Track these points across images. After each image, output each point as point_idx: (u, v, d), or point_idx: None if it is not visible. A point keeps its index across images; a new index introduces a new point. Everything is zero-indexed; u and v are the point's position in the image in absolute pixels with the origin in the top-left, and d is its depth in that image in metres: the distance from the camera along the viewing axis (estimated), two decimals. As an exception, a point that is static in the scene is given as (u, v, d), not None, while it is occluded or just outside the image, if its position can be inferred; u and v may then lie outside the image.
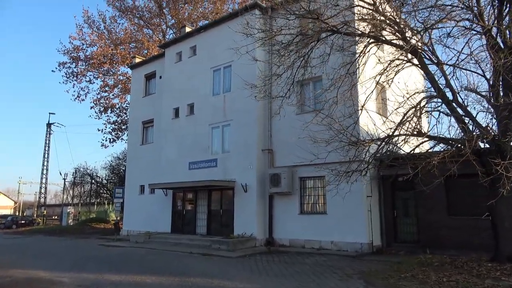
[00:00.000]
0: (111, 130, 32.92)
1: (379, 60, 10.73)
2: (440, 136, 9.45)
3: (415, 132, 9.44)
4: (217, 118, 17.33)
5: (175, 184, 17.06)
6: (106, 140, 32.97)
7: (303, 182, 15.00)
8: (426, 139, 10.33)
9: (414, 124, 9.04)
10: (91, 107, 33.76)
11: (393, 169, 12.50)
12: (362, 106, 10.05)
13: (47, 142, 42.29)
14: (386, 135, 9.92)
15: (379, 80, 9.95)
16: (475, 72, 9.58)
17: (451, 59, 9.19)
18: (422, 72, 10.61)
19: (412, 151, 10.43)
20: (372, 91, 9.99)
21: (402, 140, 9.64)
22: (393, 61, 9.61)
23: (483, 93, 9.40)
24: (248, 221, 15.25)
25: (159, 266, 10.69)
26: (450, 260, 9.61)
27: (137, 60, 23.77)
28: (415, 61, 10.19)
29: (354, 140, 10.27)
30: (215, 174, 16.63)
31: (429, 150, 11.61)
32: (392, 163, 11.59)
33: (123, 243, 17.61)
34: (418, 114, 8.86)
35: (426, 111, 9.38)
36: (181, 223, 18.05)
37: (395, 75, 10.20)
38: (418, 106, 8.95)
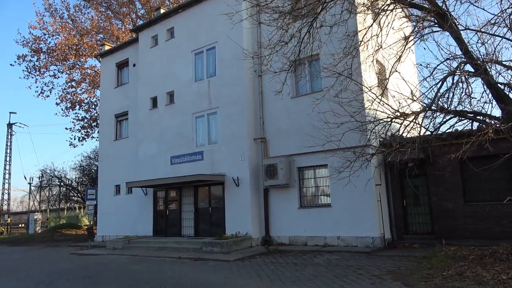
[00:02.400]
0: (80, 128, 30.32)
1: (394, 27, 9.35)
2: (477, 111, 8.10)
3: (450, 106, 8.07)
4: (201, 106, 15.55)
5: (156, 181, 15.18)
6: (74, 139, 30.39)
7: (302, 173, 13.52)
8: (451, 115, 9.06)
9: (460, 93, 7.55)
10: (57, 104, 31.06)
11: (403, 154, 11.26)
12: (389, 76, 8.53)
13: (9, 144, 38.80)
14: (418, 109, 8.46)
15: (404, 48, 8.48)
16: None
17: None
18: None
19: (436, 131, 9.11)
20: (399, 59, 8.46)
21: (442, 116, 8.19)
22: (421, 22, 8.15)
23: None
24: (242, 218, 13.62)
25: (146, 278, 8.91)
26: (489, 252, 8.37)
27: (107, 47, 21.50)
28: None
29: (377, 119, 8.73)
30: (201, 168, 14.88)
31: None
32: (400, 148, 10.37)
33: (99, 250, 15.56)
34: (464, 80, 7.44)
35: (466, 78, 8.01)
36: (164, 224, 16.18)
37: (416, 42, 8.80)
38: (459, 70, 7.49)
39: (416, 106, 8.95)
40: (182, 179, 14.14)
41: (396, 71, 8.24)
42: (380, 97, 8.64)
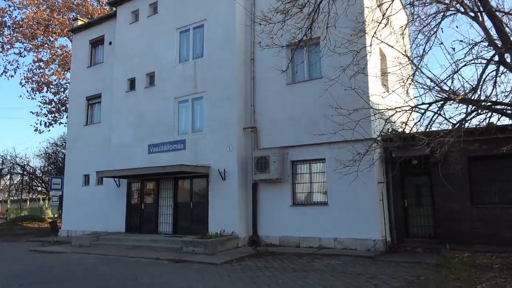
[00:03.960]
0: (47, 112, 27.85)
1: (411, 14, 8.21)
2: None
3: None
4: (185, 90, 14.02)
5: (132, 171, 13.54)
6: (40, 124, 27.84)
7: (296, 167, 12.29)
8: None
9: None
10: (22, 85, 28.39)
11: (405, 150, 10.27)
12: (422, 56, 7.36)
13: (-34, 127, 35.60)
14: (441, 98, 7.34)
15: (438, 26, 7.32)
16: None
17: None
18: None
19: (457, 125, 8.07)
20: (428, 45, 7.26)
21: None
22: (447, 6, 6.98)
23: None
24: (228, 216, 12.26)
25: (119, 286, 7.42)
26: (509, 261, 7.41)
27: (80, 22, 19.47)
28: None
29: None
30: (183, 158, 13.36)
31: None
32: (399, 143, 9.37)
33: (63, 247, 13.80)
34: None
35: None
36: (138, 220, 14.56)
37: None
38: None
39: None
40: (161, 169, 12.59)
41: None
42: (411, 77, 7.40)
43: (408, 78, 7.20)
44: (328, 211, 11.28)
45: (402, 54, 7.43)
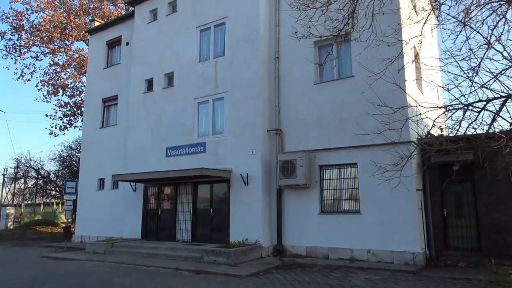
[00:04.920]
0: (62, 116, 27.60)
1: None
2: None
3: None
4: (205, 90, 13.37)
5: (148, 175, 12.89)
6: (55, 128, 27.59)
7: (324, 172, 11.45)
8: None
9: None
10: (39, 89, 28.24)
11: (446, 154, 9.38)
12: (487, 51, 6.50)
13: (-17, 131, 35.70)
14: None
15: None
16: None
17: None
18: None
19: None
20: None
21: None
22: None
23: None
24: (251, 223, 11.48)
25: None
26: None
27: (96, 23, 19.10)
28: None
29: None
30: (202, 162, 12.67)
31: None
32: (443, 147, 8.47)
33: (77, 253, 13.17)
34: None
35: None
36: (155, 226, 13.87)
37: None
38: None
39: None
40: (181, 173, 11.90)
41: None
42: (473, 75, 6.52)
43: (480, 62, 6.24)
44: (360, 220, 10.40)
45: (477, 31, 6.43)
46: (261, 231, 11.32)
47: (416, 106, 7.31)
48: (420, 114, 7.61)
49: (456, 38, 6.91)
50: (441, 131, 11.24)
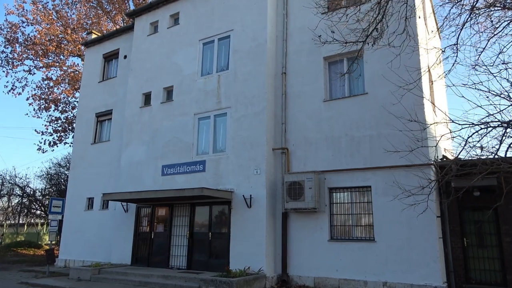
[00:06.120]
0: (52, 131, 26.54)
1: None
2: None
3: None
4: (207, 105, 12.63)
5: (142, 195, 11.89)
6: (44, 143, 26.48)
7: (334, 195, 10.61)
8: None
9: None
10: (30, 104, 27.31)
11: (468, 179, 8.65)
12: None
13: (-32, 146, 34.30)
14: None
15: None
16: None
17: None
18: None
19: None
20: None
21: None
22: None
23: None
24: (253, 250, 10.49)
25: None
26: None
27: (94, 36, 18.48)
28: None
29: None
30: (201, 181, 11.79)
31: None
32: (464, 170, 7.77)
33: (59, 280, 11.94)
34: None
35: None
36: (147, 251, 12.76)
37: None
38: None
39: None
40: (179, 193, 10.94)
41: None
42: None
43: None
44: (375, 249, 9.49)
45: None
46: (265, 258, 10.33)
47: (448, 122, 6.61)
48: (451, 131, 6.91)
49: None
50: (481, 150, 10.57)
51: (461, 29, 6.29)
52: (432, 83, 11.07)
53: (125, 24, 27.45)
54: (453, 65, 5.86)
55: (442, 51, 6.06)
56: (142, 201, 12.77)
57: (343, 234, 10.24)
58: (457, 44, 6.33)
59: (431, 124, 6.67)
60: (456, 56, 5.96)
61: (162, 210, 12.92)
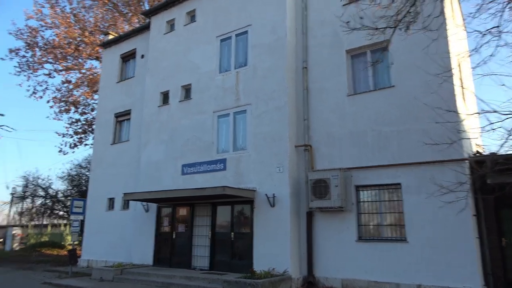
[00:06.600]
0: (73, 133, 26.81)
1: None
2: None
3: None
4: (226, 103, 12.34)
5: (162, 194, 11.72)
6: (65, 145, 26.79)
7: (361, 194, 10.15)
8: None
9: None
10: (51, 107, 27.63)
11: (505, 175, 8.08)
12: None
13: (-7, 149, 35.12)
14: None
15: None
16: None
17: None
18: None
19: None
20: None
21: None
22: None
23: None
24: (277, 250, 10.15)
25: None
26: None
27: (111, 36, 18.46)
28: None
29: None
30: (222, 180, 11.52)
31: None
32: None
33: (82, 280, 11.91)
34: None
35: None
36: (169, 252, 12.58)
37: None
38: None
39: None
40: (200, 192, 10.70)
41: None
42: None
43: None
44: (407, 250, 9.00)
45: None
46: (289, 259, 9.97)
47: (489, 112, 6.09)
48: (492, 123, 6.38)
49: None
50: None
51: (503, 11, 5.77)
52: (460, 72, 10.46)
53: (142, 21, 27.49)
54: (495, 49, 5.35)
55: (484, 33, 5.57)
56: (162, 200, 12.61)
57: (372, 234, 9.78)
58: (498, 26, 5.82)
59: (472, 114, 6.17)
60: (499, 39, 5.44)
61: (183, 210, 12.71)
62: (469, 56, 5.99)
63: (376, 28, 5.93)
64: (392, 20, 6.00)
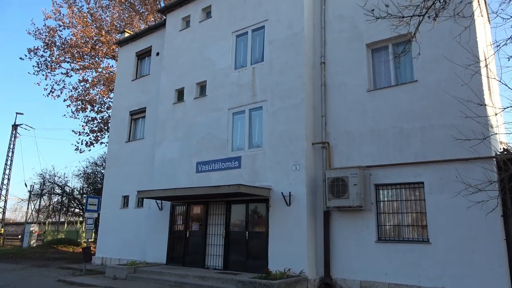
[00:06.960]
0: (89, 131, 27.08)
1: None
2: None
3: None
4: (241, 99, 12.13)
5: (177, 192, 11.56)
6: (81, 143, 27.07)
7: (380, 193, 9.78)
8: None
9: None
10: (68, 105, 27.96)
11: None
12: None
13: (11, 147, 35.81)
14: None
15: None
16: None
17: None
18: None
19: None
20: None
21: None
22: None
23: None
24: (293, 251, 9.86)
25: None
26: None
27: (127, 34, 18.49)
28: None
29: None
30: (237, 178, 11.30)
31: None
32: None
33: (96, 278, 11.86)
34: None
35: None
36: (182, 250, 12.43)
37: None
38: None
39: None
40: (214, 190, 10.51)
41: None
42: None
43: None
44: (429, 251, 8.59)
45: None
46: (306, 260, 9.67)
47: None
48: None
49: None
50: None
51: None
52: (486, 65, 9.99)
53: (158, 19, 27.56)
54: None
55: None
56: (176, 198, 12.47)
57: (392, 234, 9.39)
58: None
59: (505, 108, 5.78)
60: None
61: (197, 208, 12.55)
62: (506, 44, 5.62)
63: (403, 17, 5.59)
64: (418, 9, 5.66)
